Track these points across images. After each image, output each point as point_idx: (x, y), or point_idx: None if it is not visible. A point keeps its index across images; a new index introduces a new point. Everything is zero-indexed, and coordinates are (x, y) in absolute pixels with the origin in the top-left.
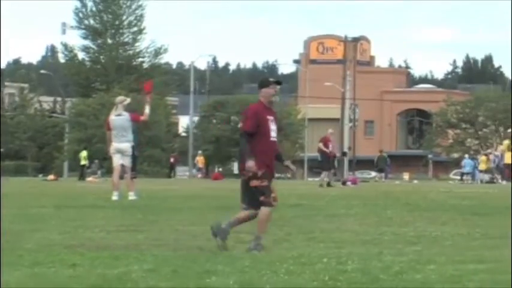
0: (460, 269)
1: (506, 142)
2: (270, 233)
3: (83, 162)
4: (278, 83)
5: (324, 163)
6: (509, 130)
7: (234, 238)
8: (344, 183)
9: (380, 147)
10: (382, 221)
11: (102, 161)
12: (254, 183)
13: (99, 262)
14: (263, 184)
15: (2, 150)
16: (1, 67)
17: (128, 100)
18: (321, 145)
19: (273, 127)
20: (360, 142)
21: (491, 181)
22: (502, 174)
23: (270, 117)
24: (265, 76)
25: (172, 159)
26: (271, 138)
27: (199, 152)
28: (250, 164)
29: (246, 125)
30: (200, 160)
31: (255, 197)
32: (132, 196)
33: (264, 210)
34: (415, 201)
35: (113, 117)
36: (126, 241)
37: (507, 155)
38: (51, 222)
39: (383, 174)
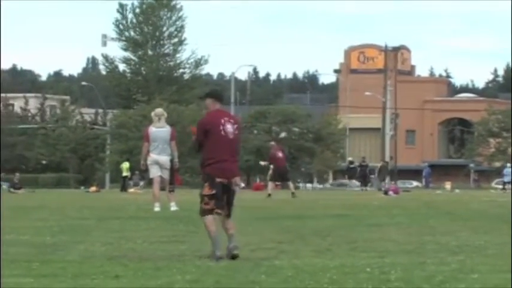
0: (504, 278)
1: None
2: (312, 243)
3: (124, 173)
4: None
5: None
6: None
7: (278, 248)
8: (386, 192)
9: (422, 156)
10: (424, 230)
11: (144, 172)
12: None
13: (142, 273)
14: None
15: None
16: (0, 75)
17: (165, 114)
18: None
19: None
20: (401, 151)
21: None
22: None
23: None
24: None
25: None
26: None
27: None
28: None
29: None
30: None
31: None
32: (173, 207)
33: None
34: (457, 211)
35: (154, 129)
36: (169, 252)
37: None
38: (93, 234)
39: (383, 183)
